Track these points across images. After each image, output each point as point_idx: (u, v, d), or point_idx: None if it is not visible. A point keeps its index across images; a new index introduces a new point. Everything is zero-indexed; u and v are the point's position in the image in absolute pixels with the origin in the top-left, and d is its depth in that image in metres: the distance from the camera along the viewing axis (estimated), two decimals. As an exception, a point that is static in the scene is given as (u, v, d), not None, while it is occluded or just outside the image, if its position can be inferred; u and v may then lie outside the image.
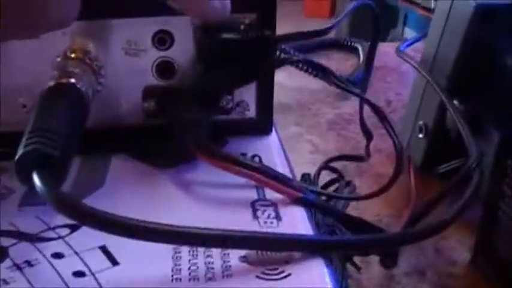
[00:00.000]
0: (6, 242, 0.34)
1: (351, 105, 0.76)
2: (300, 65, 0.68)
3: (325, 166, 0.52)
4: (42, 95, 0.36)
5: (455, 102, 0.50)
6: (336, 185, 0.48)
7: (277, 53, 0.55)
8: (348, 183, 0.48)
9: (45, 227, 0.35)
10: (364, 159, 0.51)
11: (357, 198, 0.44)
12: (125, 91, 0.43)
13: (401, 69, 0.91)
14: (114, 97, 0.43)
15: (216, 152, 0.37)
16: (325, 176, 0.50)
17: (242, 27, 0.41)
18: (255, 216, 0.35)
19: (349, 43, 0.99)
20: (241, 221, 0.35)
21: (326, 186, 0.49)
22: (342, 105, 0.78)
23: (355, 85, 0.78)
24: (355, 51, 0.98)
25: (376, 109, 0.42)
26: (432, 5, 3.78)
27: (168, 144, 0.42)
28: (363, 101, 0.45)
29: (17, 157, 0.32)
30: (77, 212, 0.30)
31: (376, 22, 0.48)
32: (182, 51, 0.42)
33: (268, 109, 0.45)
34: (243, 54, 0.40)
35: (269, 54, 0.41)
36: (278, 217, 0.35)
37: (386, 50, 0.98)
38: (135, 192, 0.39)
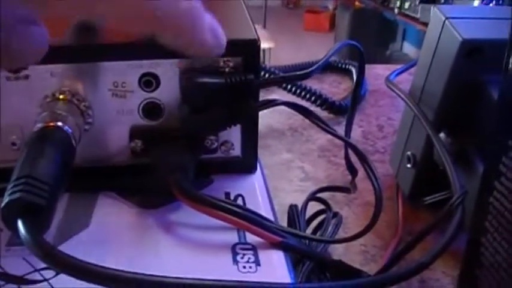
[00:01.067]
0: (-9, 284, 0.34)
1: (343, 130, 0.77)
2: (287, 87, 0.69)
3: (313, 197, 0.53)
4: (29, 139, 0.37)
5: (442, 134, 0.50)
6: (323, 216, 0.49)
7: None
8: (335, 214, 0.49)
9: (31, 268, 0.36)
10: (351, 192, 0.52)
11: (337, 241, 0.45)
12: (112, 130, 0.44)
13: (393, 94, 0.91)
14: (102, 136, 0.44)
15: (197, 196, 0.38)
16: (314, 206, 0.51)
17: (227, 70, 0.41)
18: (235, 261, 0.36)
19: (342, 65, 0.99)
20: (221, 266, 0.36)
21: (313, 217, 0.50)
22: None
23: (347, 110, 0.78)
24: (348, 73, 0.98)
25: (359, 154, 0.43)
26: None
27: (153, 183, 0.42)
28: (348, 145, 0.46)
29: (2, 205, 0.32)
30: (56, 263, 0.31)
31: (361, 60, 0.49)
32: (168, 92, 0.43)
33: (253, 148, 0.46)
34: (228, 98, 0.40)
35: (253, 97, 0.42)
36: (257, 262, 0.36)
37: (380, 72, 0.98)
38: (119, 234, 0.39)
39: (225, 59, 0.42)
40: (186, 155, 0.41)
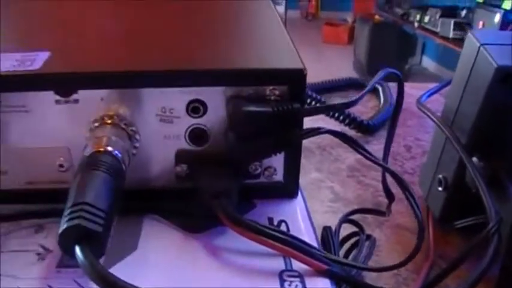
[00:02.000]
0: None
1: (372, 150, 0.77)
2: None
3: (346, 219, 0.53)
4: (82, 164, 0.38)
5: (474, 158, 0.50)
6: (356, 238, 0.50)
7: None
8: (368, 237, 0.49)
9: (82, 291, 0.37)
10: (385, 215, 0.52)
11: (379, 270, 0.45)
12: (158, 154, 0.45)
13: (421, 114, 0.91)
14: (147, 160, 0.45)
15: (244, 222, 0.39)
16: (346, 228, 0.51)
17: (272, 98, 0.42)
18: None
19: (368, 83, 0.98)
20: (269, 293, 0.36)
21: (346, 239, 0.50)
22: (362, 149, 0.78)
23: (376, 129, 0.79)
24: (375, 91, 0.97)
25: (399, 180, 0.43)
26: (451, 35, 3.79)
27: (198, 207, 0.43)
28: (385, 170, 0.47)
29: (60, 230, 0.33)
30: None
31: (400, 87, 0.50)
32: (214, 119, 0.44)
33: (295, 174, 0.46)
34: (274, 126, 0.41)
35: (298, 125, 0.42)
36: (305, 289, 0.37)
37: (407, 91, 0.98)
38: (167, 257, 0.40)
39: (271, 87, 0.42)
40: (231, 180, 0.42)
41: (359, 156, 0.74)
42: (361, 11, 4.78)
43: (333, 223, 0.50)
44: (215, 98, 0.43)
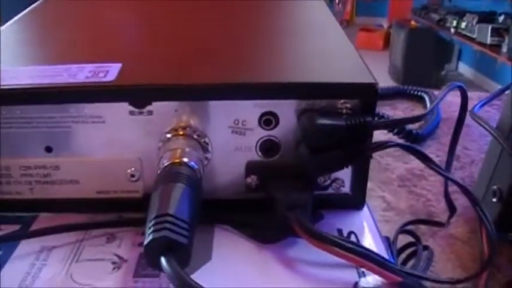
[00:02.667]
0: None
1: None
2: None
3: (403, 230, 0.53)
4: (160, 177, 0.39)
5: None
6: (412, 248, 0.50)
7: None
8: (426, 248, 0.49)
9: (162, 302, 0.37)
10: (444, 226, 0.52)
11: (454, 282, 0.45)
12: (229, 166, 0.45)
13: (467, 122, 0.90)
14: (218, 171, 0.46)
15: (320, 234, 0.39)
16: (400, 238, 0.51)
17: (344, 111, 0.43)
18: (359, 301, 0.37)
19: (414, 92, 0.97)
20: (345, 305, 0.37)
21: (402, 249, 0.50)
22: (411, 159, 0.77)
23: (424, 139, 0.79)
24: (421, 100, 0.97)
25: (467, 193, 0.43)
26: (488, 41, 3.76)
27: (269, 218, 0.44)
28: (449, 180, 0.47)
29: (146, 242, 0.34)
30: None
31: (464, 99, 0.50)
32: (286, 131, 0.44)
33: (363, 186, 0.47)
34: (345, 139, 0.41)
35: (368, 138, 0.43)
36: (381, 302, 0.37)
37: (451, 99, 0.98)
38: (242, 268, 0.41)
39: (343, 100, 0.42)
40: (305, 192, 0.43)
41: (409, 165, 0.75)
42: (397, 17, 4.76)
43: (385, 232, 0.50)
44: (287, 110, 0.43)
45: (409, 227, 0.53)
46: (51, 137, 0.44)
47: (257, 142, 0.44)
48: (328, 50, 0.52)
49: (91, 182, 0.46)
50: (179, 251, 0.34)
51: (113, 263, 0.41)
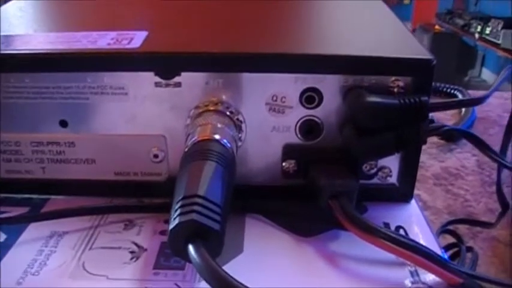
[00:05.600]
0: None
1: (456, 158, 0.73)
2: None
3: (444, 230, 0.49)
4: (188, 154, 0.34)
5: None
6: (454, 249, 0.46)
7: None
8: (470, 249, 0.45)
9: (187, 296, 0.32)
10: (493, 226, 0.48)
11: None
12: (264, 148, 0.41)
13: (503, 121, 0.87)
14: (252, 153, 0.41)
15: (369, 226, 0.34)
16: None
17: (395, 90, 0.38)
18: (413, 302, 0.32)
19: (447, 89, 0.94)
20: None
21: (445, 250, 0.45)
22: (446, 158, 0.74)
23: (459, 138, 0.74)
24: (453, 97, 0.93)
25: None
26: (513, 46, 3.71)
27: (306, 208, 0.39)
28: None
29: (171, 226, 0.29)
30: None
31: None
32: (329, 111, 0.39)
33: (412, 176, 0.42)
34: (398, 120, 0.37)
35: (424, 120, 0.38)
36: (438, 305, 0.32)
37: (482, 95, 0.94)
38: (276, 262, 0.36)
39: (394, 78, 0.38)
40: (351, 179, 0.38)
41: (444, 164, 0.71)
42: (421, 21, 4.72)
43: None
44: (332, 87, 0.38)
45: (450, 227, 0.48)
46: (66, 109, 0.40)
47: (297, 122, 0.40)
48: (375, 23, 0.47)
49: (109, 162, 0.42)
50: (210, 238, 0.29)
51: (131, 252, 0.37)
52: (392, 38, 0.43)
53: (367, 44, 0.41)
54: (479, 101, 0.41)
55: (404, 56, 0.39)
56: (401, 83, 0.38)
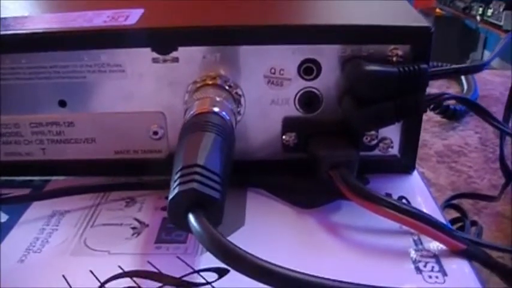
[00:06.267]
0: (145, 284, 0.32)
1: (459, 136, 0.73)
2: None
3: (448, 204, 0.49)
4: (186, 126, 0.34)
5: None
6: (459, 224, 0.45)
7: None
8: (474, 223, 0.45)
9: (189, 269, 0.32)
10: (497, 200, 0.48)
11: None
12: (263, 121, 0.40)
13: (505, 99, 0.86)
14: (251, 127, 0.41)
15: (371, 194, 0.34)
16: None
17: (394, 59, 0.38)
18: (418, 270, 0.32)
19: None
20: (403, 274, 0.32)
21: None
22: (449, 135, 0.74)
23: (462, 115, 0.74)
24: (456, 78, 0.93)
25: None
26: (515, 28, 3.69)
27: (308, 181, 0.39)
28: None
29: (170, 196, 0.29)
30: (238, 262, 0.27)
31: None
32: (328, 82, 0.39)
33: (414, 147, 0.41)
34: (397, 89, 0.36)
35: (423, 89, 0.37)
36: (443, 271, 0.32)
37: (487, 77, 0.93)
38: (278, 235, 0.36)
39: (393, 46, 0.37)
40: (351, 149, 0.38)
41: (446, 141, 0.70)
42: (422, 5, 4.69)
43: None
44: (330, 57, 0.38)
45: (454, 202, 0.48)
46: (64, 89, 0.40)
47: (296, 94, 0.39)
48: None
49: (109, 141, 0.42)
50: (210, 207, 0.29)
51: (133, 228, 0.37)
52: (389, 7, 0.43)
53: (364, 13, 0.41)
54: (479, 68, 0.41)
55: (402, 24, 0.38)
56: (400, 52, 0.38)
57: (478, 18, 4.19)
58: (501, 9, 3.89)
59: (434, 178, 0.61)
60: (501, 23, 3.86)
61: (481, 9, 4.14)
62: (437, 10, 4.67)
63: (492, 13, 3.98)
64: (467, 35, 4.44)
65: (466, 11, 4.37)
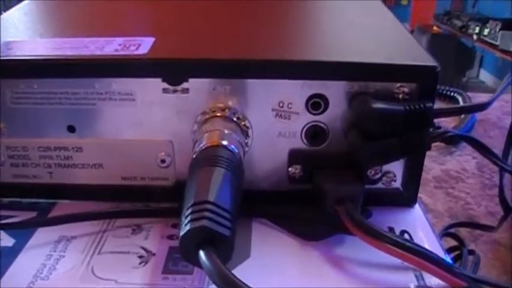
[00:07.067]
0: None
1: (456, 161, 0.73)
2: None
3: (446, 233, 0.49)
4: (196, 160, 0.34)
5: None
6: (456, 252, 0.46)
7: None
8: (472, 252, 0.46)
9: (195, 300, 0.33)
10: (495, 230, 0.48)
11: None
12: (270, 153, 0.41)
13: (502, 124, 0.87)
14: (258, 158, 0.41)
15: (374, 230, 0.35)
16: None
17: (400, 96, 0.38)
18: (421, 308, 0.32)
19: (448, 92, 0.94)
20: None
21: (447, 253, 0.46)
22: (446, 160, 0.74)
23: (458, 140, 0.75)
24: (453, 100, 0.93)
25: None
26: (511, 48, 3.71)
27: (312, 212, 0.39)
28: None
29: (182, 233, 0.30)
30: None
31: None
32: (335, 117, 0.40)
33: (416, 181, 0.42)
34: (402, 126, 0.37)
35: (428, 127, 0.38)
36: (444, 310, 0.32)
37: (484, 101, 0.94)
38: (284, 267, 0.37)
39: (399, 84, 0.38)
40: (356, 184, 0.38)
41: (444, 166, 0.71)
42: (419, 22, 4.71)
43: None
44: (338, 93, 0.39)
45: (452, 230, 0.48)
46: (74, 115, 0.40)
47: (303, 128, 0.40)
48: (377, 27, 0.48)
49: (116, 167, 0.42)
50: (220, 244, 0.30)
51: (140, 256, 0.37)
52: (395, 43, 0.44)
53: (371, 50, 0.42)
54: (482, 107, 0.42)
55: (409, 62, 0.39)
56: (406, 89, 0.38)
57: (475, 37, 4.21)
58: (497, 29, 3.91)
59: (432, 204, 0.62)
60: (497, 43, 3.89)
61: (477, 28, 4.17)
62: (435, 28, 4.69)
63: (488, 32, 4.01)
64: (463, 53, 4.46)
65: (462, 30, 4.39)
